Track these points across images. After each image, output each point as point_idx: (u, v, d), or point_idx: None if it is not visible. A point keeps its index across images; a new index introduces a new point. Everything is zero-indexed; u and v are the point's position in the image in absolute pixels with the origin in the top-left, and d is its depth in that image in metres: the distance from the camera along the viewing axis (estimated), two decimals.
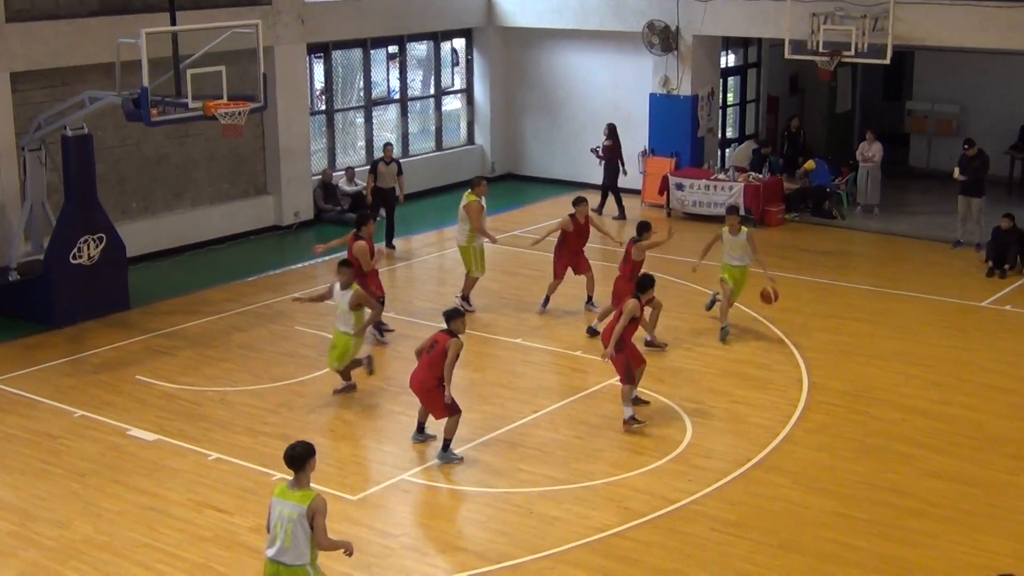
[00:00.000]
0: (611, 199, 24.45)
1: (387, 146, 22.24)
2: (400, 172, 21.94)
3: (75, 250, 17.86)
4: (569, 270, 18.15)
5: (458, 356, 12.83)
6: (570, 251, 17.95)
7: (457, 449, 13.26)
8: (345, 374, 15.01)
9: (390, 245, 21.69)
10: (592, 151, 24.90)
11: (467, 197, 18.07)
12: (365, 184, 22.45)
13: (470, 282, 18.34)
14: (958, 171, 21.35)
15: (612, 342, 13.75)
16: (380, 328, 16.86)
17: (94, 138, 18.22)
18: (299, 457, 8.90)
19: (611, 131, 24.52)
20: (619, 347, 13.77)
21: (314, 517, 8.77)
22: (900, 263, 21.27)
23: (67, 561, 11.15)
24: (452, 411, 12.98)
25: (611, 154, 24.44)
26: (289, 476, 9.01)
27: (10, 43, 18.52)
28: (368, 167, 22.54)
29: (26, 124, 18.41)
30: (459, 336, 12.92)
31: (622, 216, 24.19)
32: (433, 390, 12.94)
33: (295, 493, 8.83)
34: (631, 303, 13.88)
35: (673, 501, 12.21)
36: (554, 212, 24.69)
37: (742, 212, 23.27)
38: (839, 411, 14.57)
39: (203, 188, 22.30)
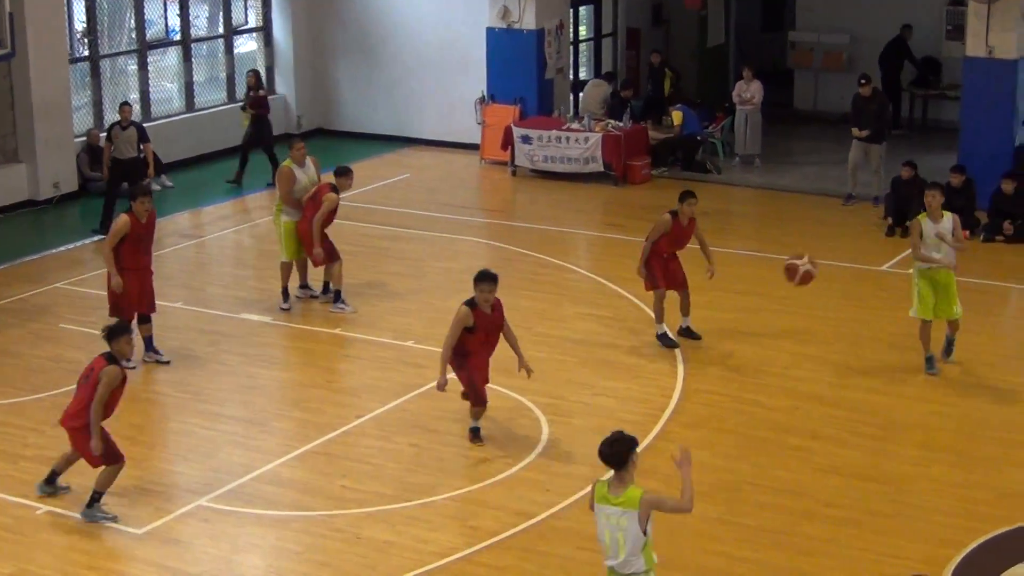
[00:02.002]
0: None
1: (124, 106, 21.54)
2: (145, 138, 21.30)
3: None
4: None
5: (112, 390, 12.06)
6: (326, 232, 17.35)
7: (256, 471, 13.18)
8: None
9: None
10: (243, 109, 24.24)
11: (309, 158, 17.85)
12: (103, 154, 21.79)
13: (284, 269, 17.89)
14: (856, 130, 21.93)
15: (444, 359, 13.41)
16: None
17: None
18: (618, 455, 9.23)
19: (258, 78, 24.39)
20: (459, 364, 13.47)
21: (648, 515, 9.17)
22: (786, 223, 21.75)
23: None
24: (109, 459, 12.30)
25: (265, 106, 24.18)
26: None
27: None
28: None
29: None
30: (120, 363, 12.17)
31: (238, 181, 23.78)
32: (85, 428, 12.11)
33: (618, 497, 9.16)
34: (461, 311, 13.31)
35: (529, 516, 12.30)
36: (376, 173, 24.71)
37: (601, 168, 23.65)
38: (720, 400, 14.85)
39: None
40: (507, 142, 24.53)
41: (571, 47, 26.94)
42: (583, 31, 28.26)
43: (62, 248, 20.53)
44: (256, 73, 24.54)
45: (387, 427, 14.27)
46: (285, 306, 17.69)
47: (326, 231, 17.27)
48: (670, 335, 16.25)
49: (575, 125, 24.34)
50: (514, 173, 24.57)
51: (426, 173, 25.02)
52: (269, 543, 12.09)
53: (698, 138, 24.67)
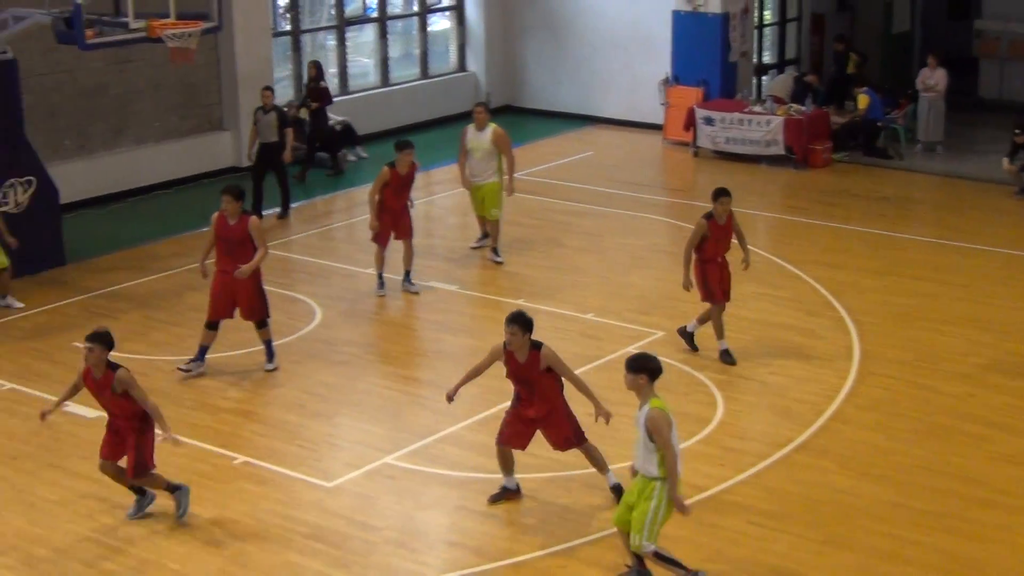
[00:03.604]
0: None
1: (266, 91, 21.22)
2: (285, 123, 21.04)
3: (0, 196, 17.87)
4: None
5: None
6: (389, 210, 17.16)
7: (440, 433, 13.44)
8: None
9: (284, 215, 21.13)
10: (304, 106, 23.59)
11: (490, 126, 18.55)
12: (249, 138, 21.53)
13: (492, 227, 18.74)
14: (1007, 161, 21.50)
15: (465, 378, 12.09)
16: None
17: (19, 64, 18.17)
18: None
19: (319, 69, 23.58)
20: None
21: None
22: (967, 211, 21.33)
23: None
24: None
25: (327, 98, 23.62)
26: None
27: None
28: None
29: None
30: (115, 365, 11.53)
31: (302, 178, 23.23)
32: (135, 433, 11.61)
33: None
34: (494, 347, 11.90)
35: (702, 489, 12.28)
36: (561, 150, 24.80)
37: (782, 151, 23.43)
38: (896, 384, 14.65)
39: (148, 123, 22.27)
40: (690, 123, 24.43)
41: (755, 31, 26.69)
42: (767, 16, 27.97)
43: (264, 213, 20.62)
44: (317, 64, 23.71)
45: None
46: (491, 253, 18.66)
47: (406, 208, 17.45)
48: (731, 352, 15.19)
49: (758, 108, 24.15)
50: (696, 154, 24.46)
51: (609, 151, 25.03)
52: (452, 502, 12.26)
53: (880, 124, 24.28)
